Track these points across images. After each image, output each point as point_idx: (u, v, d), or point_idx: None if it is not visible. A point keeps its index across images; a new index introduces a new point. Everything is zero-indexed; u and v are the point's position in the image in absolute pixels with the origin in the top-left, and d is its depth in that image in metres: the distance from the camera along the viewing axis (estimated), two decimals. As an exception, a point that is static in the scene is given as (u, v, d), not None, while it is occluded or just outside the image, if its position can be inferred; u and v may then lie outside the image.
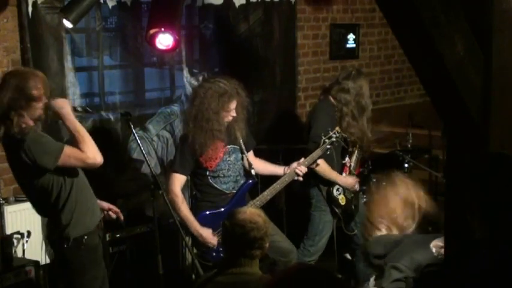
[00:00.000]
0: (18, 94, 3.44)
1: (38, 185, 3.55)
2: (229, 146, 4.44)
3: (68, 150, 3.50)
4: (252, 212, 3.08)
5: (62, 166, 3.50)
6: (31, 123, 3.48)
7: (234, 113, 4.35)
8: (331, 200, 4.87)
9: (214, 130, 4.29)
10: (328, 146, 4.74)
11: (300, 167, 4.53)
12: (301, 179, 4.57)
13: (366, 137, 4.99)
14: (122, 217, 4.02)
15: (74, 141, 3.55)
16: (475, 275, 2.20)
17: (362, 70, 5.33)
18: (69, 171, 3.60)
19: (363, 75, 5.04)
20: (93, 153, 3.53)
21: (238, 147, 4.48)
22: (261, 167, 4.68)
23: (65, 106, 3.61)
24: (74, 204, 3.62)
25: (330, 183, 4.88)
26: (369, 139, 5.07)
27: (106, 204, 3.97)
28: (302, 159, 4.59)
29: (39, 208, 3.79)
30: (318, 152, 4.65)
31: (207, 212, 4.37)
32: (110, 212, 3.97)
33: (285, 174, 4.55)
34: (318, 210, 4.95)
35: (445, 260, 3.52)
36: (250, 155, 4.64)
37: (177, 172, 4.37)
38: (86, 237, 3.63)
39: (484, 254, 2.24)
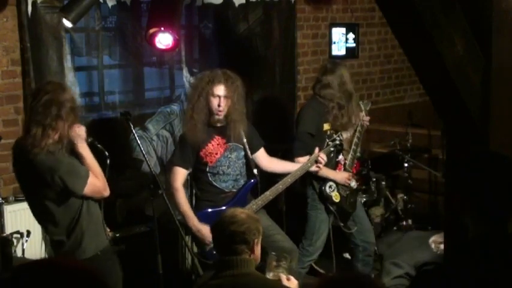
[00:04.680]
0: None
1: (53, 203, 3.53)
2: (230, 144, 4.43)
3: (92, 180, 3.52)
4: (234, 210, 3.14)
5: (86, 196, 3.53)
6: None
7: (221, 102, 4.25)
8: (324, 197, 4.87)
9: (207, 118, 4.29)
10: (331, 149, 4.75)
11: (321, 154, 4.59)
12: (321, 166, 4.63)
13: (353, 116, 4.96)
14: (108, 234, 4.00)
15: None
16: (474, 274, 2.20)
17: (336, 61, 5.31)
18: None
19: (339, 64, 5.03)
20: (107, 188, 3.58)
21: (241, 146, 4.47)
22: (277, 165, 4.68)
23: (83, 141, 3.56)
24: (84, 226, 3.60)
25: (323, 181, 4.88)
26: (354, 122, 5.03)
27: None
28: (317, 148, 4.63)
29: (50, 226, 3.67)
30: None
31: (207, 210, 4.37)
32: None
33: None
34: (314, 209, 4.95)
35: (444, 259, 3.53)
36: (262, 154, 4.64)
37: (177, 165, 4.36)
38: (99, 253, 3.66)
39: (483, 253, 2.24)
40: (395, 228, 6.00)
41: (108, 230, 4.00)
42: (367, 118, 5.12)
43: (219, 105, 4.26)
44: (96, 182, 3.54)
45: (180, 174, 4.36)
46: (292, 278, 3.15)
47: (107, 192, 3.61)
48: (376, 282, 2.06)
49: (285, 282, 3.09)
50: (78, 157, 3.55)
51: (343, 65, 5.06)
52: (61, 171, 3.42)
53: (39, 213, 3.67)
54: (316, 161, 4.61)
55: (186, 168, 4.40)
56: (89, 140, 3.60)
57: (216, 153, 4.38)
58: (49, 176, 3.43)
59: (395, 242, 4.63)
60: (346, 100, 4.84)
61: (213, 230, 3.12)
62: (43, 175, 3.43)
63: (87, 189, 3.52)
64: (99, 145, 3.64)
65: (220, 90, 4.26)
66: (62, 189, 3.46)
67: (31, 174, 3.50)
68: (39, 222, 3.78)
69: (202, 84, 4.32)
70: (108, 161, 3.63)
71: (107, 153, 3.63)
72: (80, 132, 3.54)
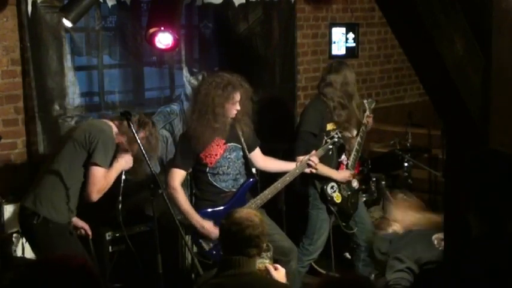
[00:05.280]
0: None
1: (71, 160, 3.93)
2: (230, 144, 4.44)
3: (103, 172, 3.91)
4: (248, 211, 3.13)
5: (88, 171, 3.90)
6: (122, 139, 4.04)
7: (238, 106, 4.34)
8: (326, 198, 4.88)
9: (218, 123, 4.29)
10: (330, 146, 4.75)
11: (312, 158, 4.59)
12: (314, 170, 4.64)
13: (354, 118, 4.97)
14: (90, 234, 4.31)
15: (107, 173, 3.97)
16: (475, 273, 2.20)
17: (343, 61, 5.32)
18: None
19: (345, 64, 5.03)
20: (98, 196, 3.93)
21: (239, 145, 4.48)
22: (272, 164, 4.70)
23: (123, 166, 4.06)
24: (69, 195, 3.94)
25: (325, 181, 4.88)
26: (358, 119, 5.04)
27: (81, 223, 4.26)
28: (313, 151, 4.62)
29: (49, 176, 3.98)
30: (320, 151, 4.68)
31: (207, 210, 4.37)
32: (82, 230, 4.27)
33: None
34: (315, 209, 4.95)
35: (444, 258, 3.53)
36: (258, 153, 4.65)
37: (177, 167, 4.37)
38: (52, 223, 3.90)
39: (484, 252, 2.24)
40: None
41: (89, 232, 4.29)
42: (372, 121, 5.12)
43: (232, 111, 4.32)
44: (102, 178, 3.91)
45: (179, 175, 4.37)
46: (279, 266, 3.14)
47: (94, 195, 3.92)
48: (375, 284, 2.06)
49: (272, 272, 3.08)
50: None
51: (349, 66, 5.06)
52: (101, 137, 3.89)
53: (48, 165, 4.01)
54: (309, 165, 4.62)
55: (186, 170, 4.42)
56: (124, 176, 4.06)
57: (216, 154, 4.39)
58: (88, 131, 3.90)
59: (399, 240, 4.66)
60: (347, 100, 4.84)
61: (226, 231, 3.03)
62: (87, 129, 3.95)
63: (96, 171, 3.88)
64: (122, 185, 4.06)
65: (237, 96, 4.31)
66: (88, 150, 3.87)
67: (85, 128, 4.03)
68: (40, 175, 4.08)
69: (215, 91, 4.27)
70: (120, 206, 4.07)
71: (120, 199, 4.07)
72: (128, 160, 4.05)
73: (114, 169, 4.00)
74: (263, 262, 3.14)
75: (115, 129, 4.03)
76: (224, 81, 4.30)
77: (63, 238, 3.92)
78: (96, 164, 3.87)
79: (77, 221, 4.22)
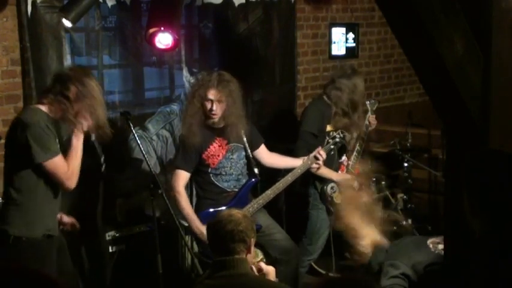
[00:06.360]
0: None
1: (14, 169, 3.57)
2: (231, 144, 4.45)
3: (56, 161, 3.50)
4: (230, 210, 3.16)
5: (44, 170, 3.50)
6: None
7: (214, 106, 4.28)
8: (325, 198, 4.87)
9: (204, 121, 4.31)
10: (331, 147, 4.75)
11: (321, 152, 4.56)
12: (320, 163, 4.58)
13: (353, 127, 4.96)
14: (78, 227, 3.98)
15: (67, 156, 3.56)
16: (475, 273, 2.20)
17: (357, 69, 5.32)
18: (45, 179, 3.56)
19: (358, 73, 5.04)
20: (72, 180, 3.55)
21: (241, 145, 4.48)
22: (278, 160, 4.70)
23: (80, 136, 3.62)
24: (24, 206, 3.57)
25: (325, 181, 4.88)
26: (363, 132, 5.04)
27: (67, 219, 3.92)
28: (319, 147, 4.62)
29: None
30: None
31: (209, 210, 4.38)
32: (69, 226, 3.92)
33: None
34: (315, 209, 4.96)
35: (445, 259, 3.53)
36: (263, 150, 4.65)
37: (180, 168, 4.38)
38: (24, 238, 3.53)
39: (484, 252, 2.24)
40: (395, 227, 5.99)
41: (77, 225, 3.94)
42: (375, 121, 5.12)
43: (210, 110, 4.29)
44: (62, 165, 3.50)
45: (183, 177, 4.38)
46: (263, 266, 3.14)
47: (68, 183, 3.53)
48: (374, 285, 2.06)
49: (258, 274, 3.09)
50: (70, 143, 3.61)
51: (361, 75, 5.07)
52: (28, 133, 3.44)
53: (5, 175, 3.67)
54: (316, 158, 4.60)
55: (189, 171, 4.42)
56: (93, 137, 3.62)
57: (218, 155, 4.39)
58: (19, 130, 3.48)
59: (392, 247, 4.66)
60: (351, 109, 4.83)
61: (209, 230, 3.09)
62: (16, 127, 3.51)
63: (48, 164, 3.48)
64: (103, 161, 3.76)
65: (211, 94, 4.29)
66: (22, 150, 3.46)
67: (11, 127, 3.61)
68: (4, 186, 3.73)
69: (196, 87, 4.37)
70: (103, 168, 3.70)
71: (103, 168, 3.78)
72: (83, 121, 3.58)
73: (74, 144, 3.59)
74: None
75: (47, 110, 3.55)
76: (205, 78, 4.36)
77: (39, 254, 3.54)
78: (42, 162, 3.46)
79: (62, 217, 3.87)
